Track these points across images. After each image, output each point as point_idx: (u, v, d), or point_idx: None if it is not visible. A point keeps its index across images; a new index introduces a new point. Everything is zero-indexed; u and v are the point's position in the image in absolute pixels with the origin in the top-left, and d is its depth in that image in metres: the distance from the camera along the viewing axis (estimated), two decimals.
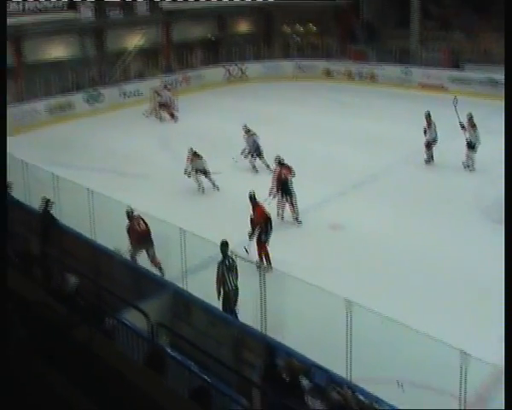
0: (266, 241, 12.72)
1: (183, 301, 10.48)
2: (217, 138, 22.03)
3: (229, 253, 10.54)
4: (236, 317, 10.29)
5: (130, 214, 12.45)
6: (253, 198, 13.14)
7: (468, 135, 17.83)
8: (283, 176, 14.82)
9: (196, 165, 17.30)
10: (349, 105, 27.29)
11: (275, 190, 14.78)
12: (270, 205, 14.12)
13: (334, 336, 9.02)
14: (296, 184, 15.07)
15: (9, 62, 27.01)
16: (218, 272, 10.46)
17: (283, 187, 14.82)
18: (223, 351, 8.85)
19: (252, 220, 12.80)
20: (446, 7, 31.86)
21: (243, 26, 37.99)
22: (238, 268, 10.37)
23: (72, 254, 12.39)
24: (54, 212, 13.30)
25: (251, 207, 13.02)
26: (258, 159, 18.80)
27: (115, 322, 6.90)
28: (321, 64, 33.61)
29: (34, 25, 26.63)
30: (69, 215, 13.78)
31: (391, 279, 11.75)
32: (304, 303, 10.13)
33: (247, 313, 9.88)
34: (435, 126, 18.56)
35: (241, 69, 34.01)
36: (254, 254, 12.60)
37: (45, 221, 13.06)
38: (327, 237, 14.22)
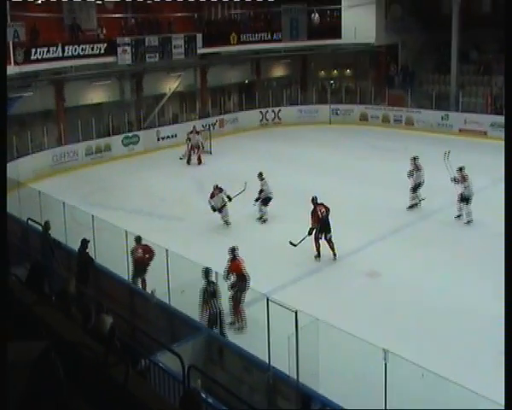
0: (241, 300, 12.26)
1: (217, 345, 10.41)
2: (249, 181, 22.14)
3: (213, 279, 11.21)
4: (224, 335, 11.12)
5: (137, 241, 13.44)
6: (232, 252, 12.49)
7: (460, 188, 17.38)
8: (321, 214, 15.09)
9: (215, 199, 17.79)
10: (385, 149, 27.17)
11: (315, 228, 15.09)
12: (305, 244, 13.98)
13: (370, 387, 8.81)
14: (332, 229, 14.98)
15: (51, 106, 27.89)
16: (201, 298, 11.28)
17: (322, 224, 15.08)
18: (256, 397, 8.73)
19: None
20: (486, 51, 31.73)
21: (278, 71, 38.53)
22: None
23: (109, 295, 12.49)
24: (91, 252, 13.46)
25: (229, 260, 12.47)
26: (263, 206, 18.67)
27: (150, 363, 6.87)
28: (357, 108, 33.70)
29: (74, 69, 27.45)
30: (106, 256, 13.95)
31: (428, 330, 11.49)
32: (339, 351, 9.95)
33: (281, 359, 9.72)
34: (423, 170, 18.62)
35: (276, 113, 34.32)
36: (291, 300, 12.47)
37: (82, 261, 13.22)
38: (363, 284, 13.99)
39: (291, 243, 15.03)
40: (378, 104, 33.39)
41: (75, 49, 27.12)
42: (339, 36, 33.85)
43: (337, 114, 33.90)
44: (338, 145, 28.33)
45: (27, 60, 25.09)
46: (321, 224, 15.13)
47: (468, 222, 17.32)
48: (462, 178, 17.37)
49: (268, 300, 10.01)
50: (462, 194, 17.38)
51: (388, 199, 19.65)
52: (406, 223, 17.58)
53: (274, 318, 10.21)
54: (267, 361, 9.92)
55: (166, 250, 12.28)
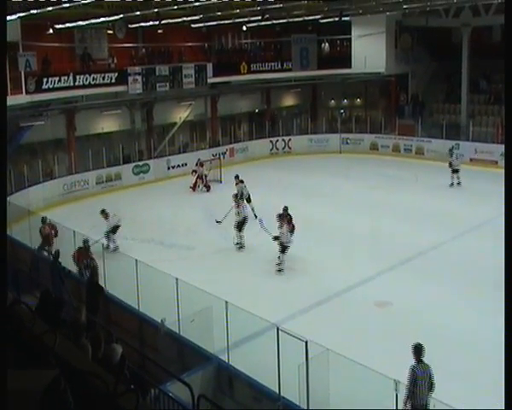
0: None
1: (227, 375, 10.32)
2: (259, 212, 22.20)
3: None
4: None
5: (43, 221, 17.49)
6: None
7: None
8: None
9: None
10: (396, 179, 27.21)
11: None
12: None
13: None
14: (342, 259, 14.89)
15: (62, 135, 28.18)
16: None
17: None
18: None
19: None
20: (496, 81, 31.82)
21: (288, 100, 38.81)
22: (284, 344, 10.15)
23: (118, 324, 12.46)
24: (101, 281, 13.47)
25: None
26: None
27: (160, 393, 6.82)
28: (367, 138, 33.81)
29: (85, 98, 27.81)
30: (116, 284, 13.94)
31: (439, 360, 11.30)
32: (350, 382, 9.82)
33: (291, 389, 9.61)
34: None
35: (286, 142, 34.47)
36: (301, 330, 12.38)
37: (92, 290, 13.22)
38: (373, 313, 13.85)
39: (216, 221, 17.24)
40: (388, 134, 33.51)
41: (86, 79, 27.52)
42: (349, 65, 34.18)
43: (347, 143, 33.99)
44: (348, 174, 28.35)
45: (39, 89, 25.46)
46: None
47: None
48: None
49: (278, 329, 9.93)
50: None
51: (399, 229, 19.56)
52: (417, 253, 17.45)
53: (284, 347, 10.12)
54: (277, 391, 9.82)
55: (176, 279, 12.24)
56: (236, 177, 21.46)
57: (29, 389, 2.45)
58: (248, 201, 20.10)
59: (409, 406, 8.26)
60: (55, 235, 17.50)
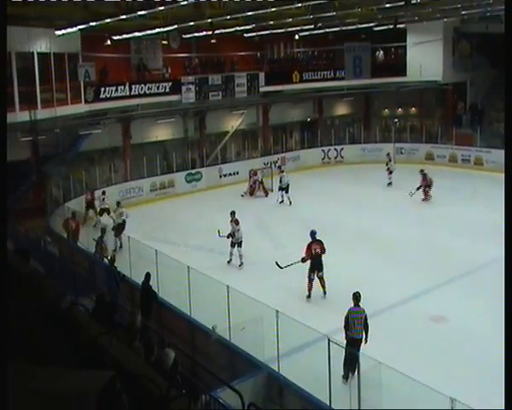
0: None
1: (277, 384, 10.28)
2: (309, 220, 22.09)
3: None
4: None
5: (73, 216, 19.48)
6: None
7: None
8: (314, 251, 15.03)
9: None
10: (452, 190, 26.54)
11: (306, 260, 15.12)
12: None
13: None
14: (397, 273, 14.61)
15: (118, 143, 28.83)
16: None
17: (314, 262, 15.06)
18: None
19: None
20: None
21: (341, 109, 38.55)
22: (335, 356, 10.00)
23: (170, 329, 12.61)
24: (154, 286, 13.67)
25: None
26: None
27: (210, 399, 6.84)
28: (422, 148, 33.16)
29: (141, 107, 28.35)
30: (168, 290, 14.12)
31: (495, 378, 10.95)
32: (402, 397, 9.60)
33: (342, 401, 9.49)
34: None
35: (339, 152, 34.22)
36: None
37: (146, 294, 13.44)
38: (429, 328, 13.50)
39: (277, 265, 15.44)
40: (445, 143, 32.73)
41: (141, 88, 28.11)
42: (403, 73, 33.72)
43: (402, 153, 33.37)
44: (403, 185, 27.85)
45: (97, 98, 26.15)
46: (312, 261, 15.02)
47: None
48: None
49: (329, 341, 9.84)
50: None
51: (455, 242, 19.07)
52: (475, 267, 16.95)
53: (335, 359, 10.01)
54: (327, 403, 9.71)
55: (227, 287, 12.30)
56: (232, 214, 18.82)
57: (86, 389, 2.50)
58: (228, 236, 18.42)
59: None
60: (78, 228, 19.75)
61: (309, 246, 15.16)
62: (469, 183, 27.46)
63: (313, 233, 15.46)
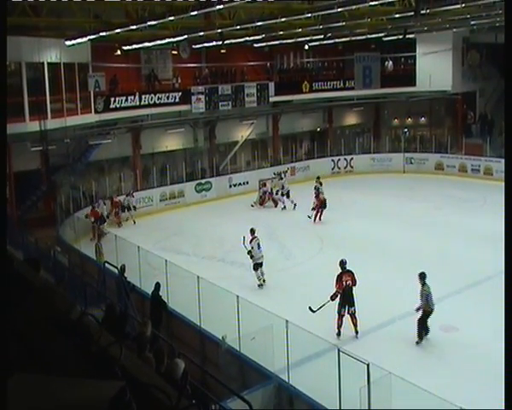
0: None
1: (287, 394, 10.22)
2: (320, 231, 22.07)
3: None
4: None
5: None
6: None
7: None
8: (345, 283, 13.46)
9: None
10: (462, 200, 26.41)
11: (338, 294, 13.44)
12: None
13: None
14: (407, 282, 14.49)
15: (128, 153, 28.96)
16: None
17: (345, 296, 13.41)
18: None
19: None
20: None
21: (351, 119, 38.54)
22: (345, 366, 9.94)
23: (180, 339, 12.58)
24: (163, 296, 13.66)
25: None
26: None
27: (220, 409, 6.81)
28: (432, 157, 33.03)
29: (150, 117, 28.51)
30: (178, 300, 14.12)
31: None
32: (413, 408, 9.50)
33: None
34: None
35: (348, 162, 34.18)
36: (363, 352, 12.16)
37: (156, 304, 13.43)
38: (439, 338, 13.40)
39: (310, 309, 13.41)
40: (454, 153, 32.60)
41: (151, 98, 28.25)
42: (413, 83, 33.67)
43: (411, 162, 33.33)
44: (413, 195, 27.79)
45: (107, 108, 26.29)
46: (343, 294, 13.37)
47: None
48: None
49: (339, 351, 9.78)
50: None
51: (465, 252, 18.97)
52: (484, 277, 16.81)
53: (345, 369, 9.94)
54: None
55: (237, 296, 12.28)
56: (252, 231, 17.57)
57: (96, 399, 2.48)
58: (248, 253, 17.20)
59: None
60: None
61: (339, 277, 13.51)
62: (479, 193, 27.32)
63: (343, 263, 13.77)
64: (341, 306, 13.37)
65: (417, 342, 13.06)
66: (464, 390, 10.50)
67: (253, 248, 16.94)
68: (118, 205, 24.80)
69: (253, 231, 17.37)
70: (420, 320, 13.10)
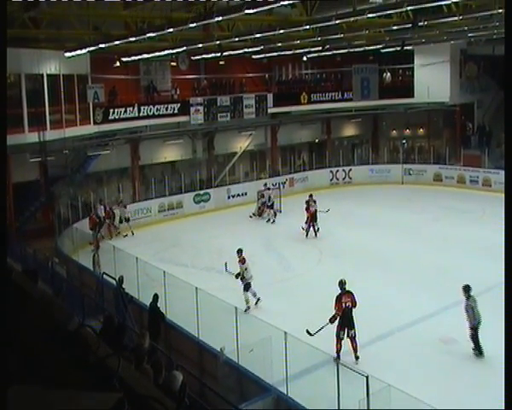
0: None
1: (286, 407, 10.16)
2: (319, 242, 22.03)
3: None
4: None
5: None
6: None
7: None
8: (344, 304, 12.89)
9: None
10: (461, 211, 26.41)
11: (337, 316, 12.89)
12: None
13: None
14: (407, 295, 14.45)
15: (126, 164, 28.97)
16: None
17: (344, 318, 12.82)
18: None
19: None
20: None
21: (349, 130, 38.63)
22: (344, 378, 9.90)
23: (178, 350, 12.52)
24: (162, 307, 13.61)
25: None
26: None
27: None
28: (430, 169, 33.07)
29: (149, 129, 28.53)
30: (176, 312, 14.06)
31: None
32: None
33: None
34: None
35: (347, 173, 34.21)
36: (362, 364, 12.13)
37: (154, 316, 13.38)
38: (437, 350, 13.34)
39: (308, 333, 12.72)
40: (453, 164, 32.65)
41: (150, 110, 28.33)
42: (411, 95, 33.81)
43: (410, 174, 33.35)
44: (411, 206, 27.79)
45: (106, 120, 26.33)
46: (343, 317, 12.78)
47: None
48: None
49: (338, 363, 9.74)
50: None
51: (464, 263, 18.90)
52: (484, 288, 16.75)
53: (344, 381, 9.90)
54: None
55: (236, 308, 12.25)
56: (239, 252, 16.81)
57: None
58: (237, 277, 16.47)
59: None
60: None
61: (339, 299, 12.92)
62: (478, 204, 27.32)
63: (342, 283, 13.17)
64: (341, 329, 12.79)
65: (477, 355, 13.01)
66: (463, 401, 10.45)
67: (246, 269, 16.23)
68: (109, 215, 24.71)
69: (240, 252, 16.63)
70: (472, 336, 13.04)
